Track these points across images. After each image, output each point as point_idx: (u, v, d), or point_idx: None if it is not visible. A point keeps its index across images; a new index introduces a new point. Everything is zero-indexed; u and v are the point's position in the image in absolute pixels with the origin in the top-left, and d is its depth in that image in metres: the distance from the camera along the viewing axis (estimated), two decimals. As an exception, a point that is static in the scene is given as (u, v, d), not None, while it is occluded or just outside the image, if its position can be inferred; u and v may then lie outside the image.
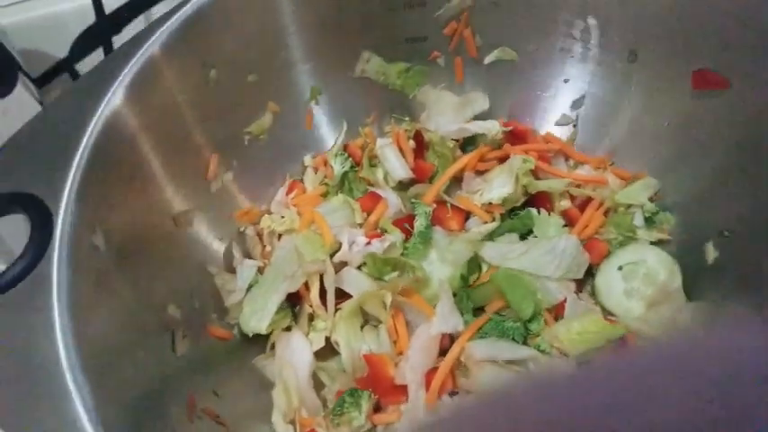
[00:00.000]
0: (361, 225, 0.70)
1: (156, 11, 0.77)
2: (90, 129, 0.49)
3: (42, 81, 0.80)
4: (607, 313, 0.65)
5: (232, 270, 0.68)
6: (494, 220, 0.69)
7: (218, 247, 0.68)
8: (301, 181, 0.76)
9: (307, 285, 0.65)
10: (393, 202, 0.71)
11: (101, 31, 0.78)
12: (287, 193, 0.74)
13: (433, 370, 0.61)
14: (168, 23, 0.57)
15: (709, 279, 0.64)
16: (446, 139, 0.74)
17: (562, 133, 0.77)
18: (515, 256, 0.65)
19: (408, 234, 0.68)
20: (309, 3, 0.68)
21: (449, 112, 0.77)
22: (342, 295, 0.65)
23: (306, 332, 0.66)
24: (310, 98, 0.75)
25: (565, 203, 0.71)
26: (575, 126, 0.76)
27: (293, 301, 0.67)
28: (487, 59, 0.76)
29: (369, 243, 0.66)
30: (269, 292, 0.64)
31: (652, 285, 0.65)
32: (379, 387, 0.62)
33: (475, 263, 0.67)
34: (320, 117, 0.77)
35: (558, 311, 0.64)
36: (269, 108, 0.71)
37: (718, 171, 0.64)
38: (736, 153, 0.62)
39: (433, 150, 0.76)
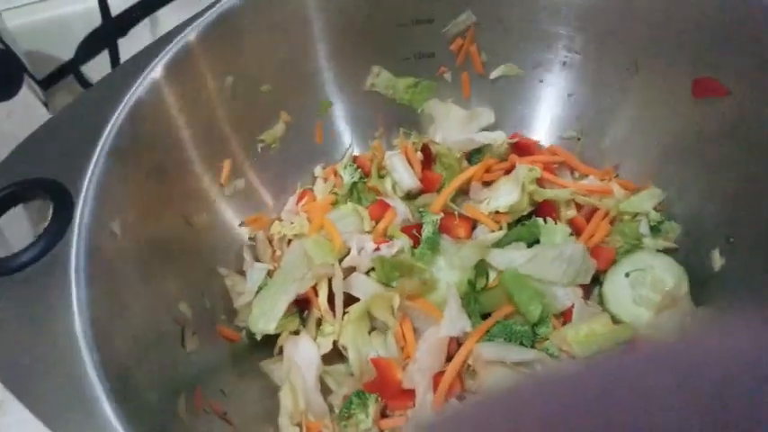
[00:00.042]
0: (369, 232, 0.70)
1: (162, 13, 0.79)
2: (111, 123, 0.51)
3: (48, 83, 0.80)
4: (615, 320, 0.65)
5: (242, 273, 0.69)
6: (501, 228, 0.70)
7: (229, 249, 0.69)
8: (311, 190, 0.77)
9: (315, 290, 0.66)
10: (401, 210, 0.72)
11: (107, 33, 0.78)
12: (297, 202, 0.75)
13: (441, 373, 0.61)
14: (197, 23, 0.60)
15: (716, 286, 0.65)
16: (453, 151, 0.76)
17: (566, 147, 0.78)
18: (522, 262, 0.65)
19: (416, 241, 0.68)
20: (336, 18, 0.70)
21: (456, 126, 0.79)
22: (350, 301, 0.66)
23: (314, 336, 0.66)
24: (321, 111, 0.77)
25: (571, 213, 0.72)
26: (579, 139, 0.78)
27: (302, 306, 0.68)
28: (493, 75, 0.78)
29: (377, 248, 0.67)
30: (278, 294, 0.64)
31: (659, 292, 0.65)
32: (386, 391, 0.62)
33: (482, 269, 0.67)
34: (330, 130, 0.79)
35: (565, 317, 0.64)
36: (282, 118, 0.73)
37: (721, 178, 0.65)
38: (738, 159, 0.63)
39: (441, 162, 0.77)
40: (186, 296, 0.60)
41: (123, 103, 0.53)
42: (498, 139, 0.75)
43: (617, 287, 0.67)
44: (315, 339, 0.65)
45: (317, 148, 0.78)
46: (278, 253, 0.71)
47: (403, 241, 0.68)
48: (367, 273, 0.67)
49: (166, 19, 0.83)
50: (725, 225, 0.65)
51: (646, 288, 0.66)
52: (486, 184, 0.75)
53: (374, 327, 0.67)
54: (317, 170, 0.79)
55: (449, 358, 0.62)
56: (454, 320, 0.61)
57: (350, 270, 0.67)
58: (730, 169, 0.64)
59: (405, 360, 0.63)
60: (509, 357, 0.59)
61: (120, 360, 0.44)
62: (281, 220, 0.74)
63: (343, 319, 0.65)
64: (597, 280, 0.68)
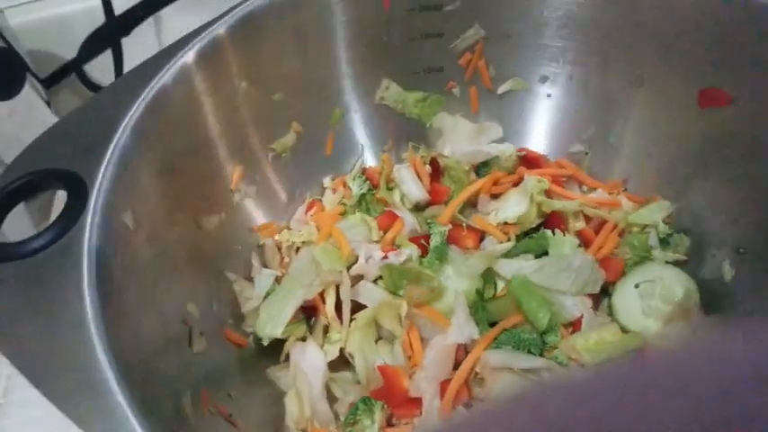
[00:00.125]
0: (377, 242, 0.71)
1: (165, 13, 0.79)
2: (129, 115, 0.52)
3: (50, 82, 0.80)
4: (624, 331, 0.64)
5: (250, 279, 0.69)
6: (509, 239, 0.70)
7: (238, 255, 0.69)
8: (320, 200, 0.77)
9: (322, 297, 0.66)
10: (409, 221, 0.72)
11: (110, 32, 0.78)
12: (306, 211, 0.76)
13: (448, 381, 0.60)
14: (214, 27, 0.61)
15: (727, 296, 0.64)
16: (461, 163, 0.76)
17: (574, 161, 0.79)
18: (530, 272, 0.65)
19: (424, 250, 0.68)
20: (355, 28, 0.72)
21: (464, 139, 0.80)
22: (357, 309, 0.65)
23: (320, 343, 0.66)
24: (332, 122, 0.78)
25: (579, 224, 0.72)
26: (586, 154, 0.78)
27: (309, 313, 0.68)
28: (501, 89, 0.79)
29: (385, 257, 0.67)
30: (285, 299, 0.64)
31: (669, 303, 0.64)
32: (392, 399, 0.61)
33: (490, 278, 0.67)
34: (340, 142, 0.80)
35: (574, 327, 0.64)
36: (293, 128, 0.74)
37: (730, 188, 0.65)
38: (747, 168, 0.63)
39: (449, 175, 0.78)
40: (194, 298, 0.60)
41: (139, 101, 0.54)
42: (507, 150, 0.75)
43: (626, 298, 0.66)
44: (322, 346, 0.65)
45: (326, 159, 0.79)
46: (286, 260, 0.71)
47: (411, 250, 0.68)
48: (374, 281, 0.67)
49: (170, 18, 0.83)
50: (735, 235, 0.65)
51: (655, 299, 0.65)
52: (495, 196, 0.75)
53: (381, 336, 0.66)
54: (326, 181, 0.79)
55: (456, 366, 0.61)
56: (462, 327, 0.61)
57: (357, 278, 0.67)
58: (739, 179, 0.64)
59: (412, 368, 0.63)
60: (517, 364, 0.59)
61: (128, 350, 0.44)
62: (289, 228, 0.75)
63: (350, 326, 0.65)
64: (606, 292, 0.68)
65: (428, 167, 0.78)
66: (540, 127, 0.80)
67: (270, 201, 0.74)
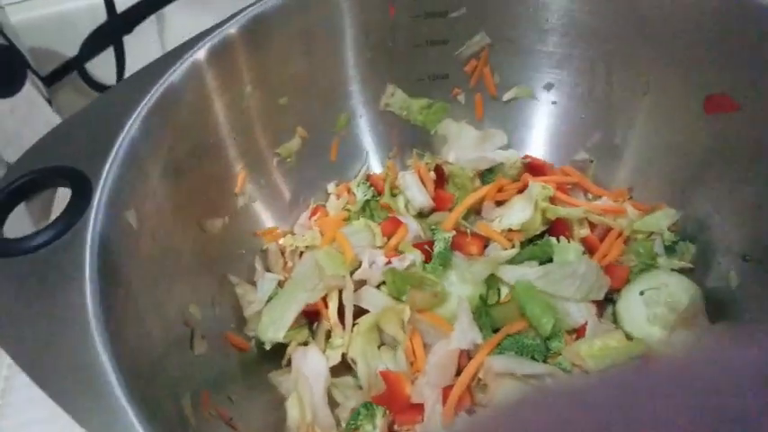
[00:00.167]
0: (381, 247, 0.70)
1: (168, 11, 0.78)
2: (136, 113, 0.53)
3: (51, 79, 0.79)
4: (629, 338, 0.64)
5: (253, 283, 0.69)
6: (513, 246, 0.70)
7: (241, 259, 0.69)
8: (324, 206, 0.77)
9: (325, 302, 0.66)
10: (413, 228, 0.72)
11: (112, 30, 0.77)
12: (310, 217, 0.76)
13: (451, 387, 0.60)
14: (222, 29, 0.61)
15: (733, 304, 0.64)
16: (466, 170, 0.76)
17: (579, 169, 0.78)
18: (535, 278, 0.65)
19: (428, 256, 0.68)
20: (362, 32, 0.72)
21: (469, 146, 0.80)
22: (360, 315, 0.65)
23: (323, 348, 0.65)
24: (337, 128, 0.78)
25: (584, 231, 0.72)
26: (592, 162, 0.78)
27: (311, 318, 0.67)
28: (506, 97, 0.80)
29: (389, 262, 0.67)
30: (288, 303, 0.64)
31: (674, 311, 0.64)
32: (394, 405, 0.61)
33: (494, 284, 0.67)
34: (345, 148, 0.80)
35: (578, 334, 0.63)
36: (298, 133, 0.74)
37: (737, 195, 0.65)
38: (754, 175, 0.63)
39: (453, 183, 0.78)
40: (197, 300, 0.60)
41: (147, 98, 0.54)
42: (511, 157, 0.75)
43: (631, 305, 0.66)
44: (324, 351, 0.65)
45: (331, 165, 0.79)
46: (289, 264, 0.71)
47: (414, 256, 0.68)
48: (378, 287, 0.67)
49: (172, 16, 0.82)
50: (741, 243, 0.64)
51: (660, 306, 0.65)
52: (499, 203, 0.75)
53: (384, 342, 0.66)
54: (331, 187, 0.79)
55: (459, 373, 0.61)
56: (465, 333, 0.61)
57: (360, 283, 0.67)
58: (745, 186, 0.64)
59: (414, 374, 0.62)
60: (520, 370, 0.58)
61: (129, 348, 0.44)
62: (293, 233, 0.75)
63: (352, 331, 0.64)
64: (611, 300, 0.67)
65: (432, 174, 0.78)
66: (545, 135, 0.80)
67: (274, 205, 0.74)
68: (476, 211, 0.76)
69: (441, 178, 0.78)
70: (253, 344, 0.66)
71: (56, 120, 0.73)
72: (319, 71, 0.73)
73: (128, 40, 0.81)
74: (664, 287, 0.65)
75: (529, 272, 0.66)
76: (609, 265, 0.68)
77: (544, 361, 0.61)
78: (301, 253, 0.71)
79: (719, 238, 0.67)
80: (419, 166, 0.78)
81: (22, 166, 0.51)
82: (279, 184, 0.75)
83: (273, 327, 0.63)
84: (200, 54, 0.60)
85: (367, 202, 0.76)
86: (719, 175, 0.66)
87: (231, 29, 0.62)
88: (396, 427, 0.61)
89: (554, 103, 0.78)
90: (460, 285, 0.66)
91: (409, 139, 0.81)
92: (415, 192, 0.75)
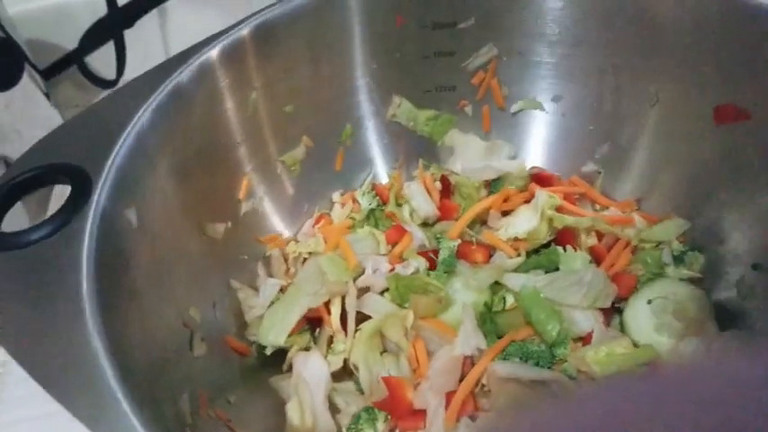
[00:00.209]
0: (385, 255, 0.70)
1: (170, 5, 0.77)
2: (141, 111, 0.53)
3: (50, 73, 0.77)
4: (636, 346, 0.63)
5: (255, 288, 0.68)
6: (519, 255, 0.69)
7: (243, 264, 0.69)
8: (328, 214, 0.77)
9: (327, 307, 0.65)
10: (418, 236, 0.72)
11: (112, 23, 0.76)
12: (314, 225, 0.76)
13: (453, 393, 0.59)
14: (231, 32, 0.62)
15: (741, 314, 0.63)
16: (472, 180, 0.76)
17: (587, 181, 0.78)
18: (540, 286, 0.64)
19: (433, 264, 0.68)
20: (370, 42, 0.73)
21: (475, 157, 0.80)
22: (363, 321, 0.65)
23: (324, 354, 0.64)
24: (343, 138, 0.78)
25: (591, 241, 0.71)
26: (599, 173, 0.78)
27: (313, 323, 0.67)
28: (513, 108, 0.80)
29: (392, 269, 0.66)
30: (290, 307, 0.64)
31: (682, 320, 0.63)
32: (396, 411, 0.60)
33: (499, 292, 0.66)
34: (350, 158, 0.80)
35: (584, 342, 0.62)
36: (303, 142, 0.75)
37: (746, 204, 0.64)
38: (762, 183, 0.62)
39: (459, 193, 0.78)
40: (197, 302, 0.59)
41: (154, 96, 0.55)
42: (518, 167, 0.75)
43: (638, 314, 0.65)
44: (325, 357, 0.64)
45: (336, 174, 0.79)
46: (292, 270, 0.71)
47: (419, 263, 0.67)
48: (381, 294, 0.67)
49: (174, 11, 0.81)
50: (750, 252, 0.63)
51: (668, 315, 0.63)
52: (505, 213, 0.74)
53: (386, 349, 0.65)
54: (335, 196, 0.79)
55: (462, 380, 0.60)
56: (469, 338, 0.60)
57: (364, 290, 0.67)
58: (755, 195, 0.63)
59: (416, 381, 0.61)
60: (524, 375, 0.57)
61: (127, 346, 0.43)
62: (297, 241, 0.74)
63: (354, 337, 0.64)
64: (618, 308, 0.66)
65: (438, 184, 0.78)
66: (553, 146, 0.80)
67: (277, 213, 0.74)
68: (482, 220, 0.75)
69: (446, 188, 0.78)
70: (253, 349, 0.65)
71: (54, 114, 0.72)
72: (326, 80, 0.74)
73: (128, 35, 0.79)
74: (671, 296, 0.64)
75: (534, 279, 0.65)
76: (616, 273, 0.67)
77: (549, 368, 0.60)
78: (304, 259, 0.71)
79: (729, 248, 0.66)
80: (425, 176, 0.79)
81: (25, 163, 0.51)
82: (283, 191, 0.75)
83: (275, 331, 0.63)
84: (212, 53, 0.61)
85: (372, 211, 0.76)
86: (729, 184, 0.66)
87: (244, 29, 0.63)
88: (397, 432, 0.60)
89: (563, 115, 0.78)
90: (465, 292, 0.65)
91: (415, 149, 0.82)
92: (421, 201, 0.75)
